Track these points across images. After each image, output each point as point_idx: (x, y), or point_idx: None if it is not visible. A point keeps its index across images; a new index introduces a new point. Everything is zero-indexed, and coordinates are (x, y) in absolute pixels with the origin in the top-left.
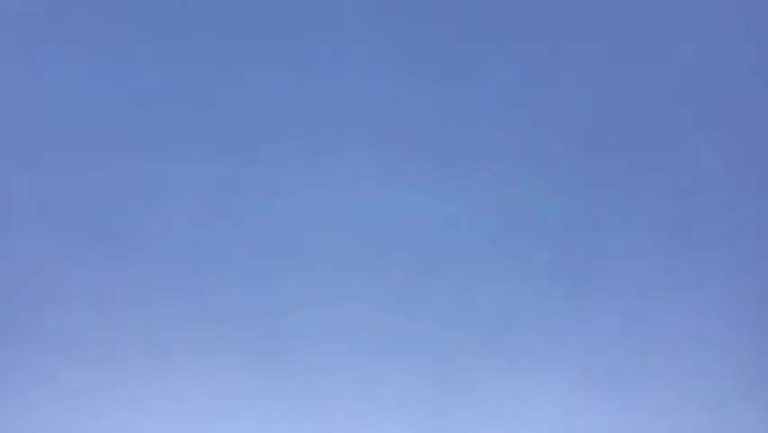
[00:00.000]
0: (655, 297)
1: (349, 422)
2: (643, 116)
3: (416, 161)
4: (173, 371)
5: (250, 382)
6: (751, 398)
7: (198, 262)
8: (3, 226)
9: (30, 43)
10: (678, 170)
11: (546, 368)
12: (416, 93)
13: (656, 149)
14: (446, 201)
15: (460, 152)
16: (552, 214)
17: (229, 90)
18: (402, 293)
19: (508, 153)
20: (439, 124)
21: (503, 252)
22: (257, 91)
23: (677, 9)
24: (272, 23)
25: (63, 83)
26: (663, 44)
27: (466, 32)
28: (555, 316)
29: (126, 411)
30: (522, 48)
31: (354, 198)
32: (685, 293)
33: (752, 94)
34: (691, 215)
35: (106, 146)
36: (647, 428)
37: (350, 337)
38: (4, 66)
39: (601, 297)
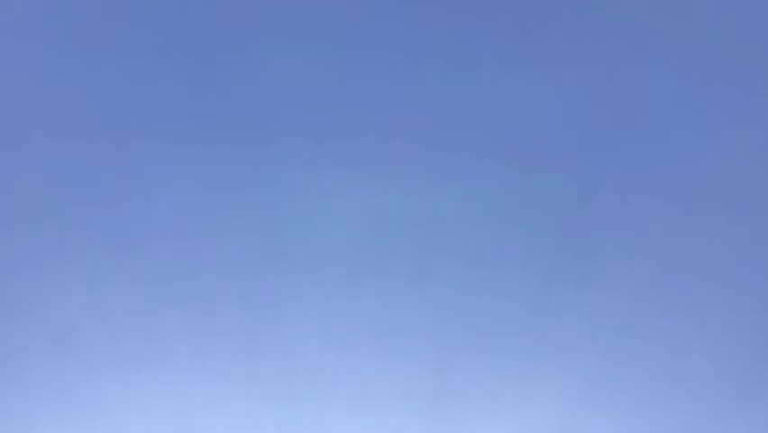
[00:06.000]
0: (654, 299)
1: (347, 421)
2: (642, 116)
3: (417, 161)
4: (172, 371)
5: (250, 381)
6: (751, 401)
7: (199, 261)
8: (3, 226)
9: (29, 36)
10: (678, 171)
11: (545, 370)
12: (416, 94)
13: (656, 149)
14: (446, 203)
15: (460, 152)
16: (550, 215)
17: (231, 88)
18: (401, 294)
19: (509, 154)
20: (440, 124)
21: (502, 253)
22: (259, 89)
23: (677, 9)
24: (274, 22)
25: (64, 79)
26: (663, 44)
27: (467, 31)
28: (554, 317)
29: (127, 412)
30: (523, 47)
31: (354, 198)
32: (685, 295)
33: (752, 94)
34: (691, 217)
35: (106, 143)
36: (645, 431)
37: (349, 337)
38: (3, 62)
39: (600, 298)
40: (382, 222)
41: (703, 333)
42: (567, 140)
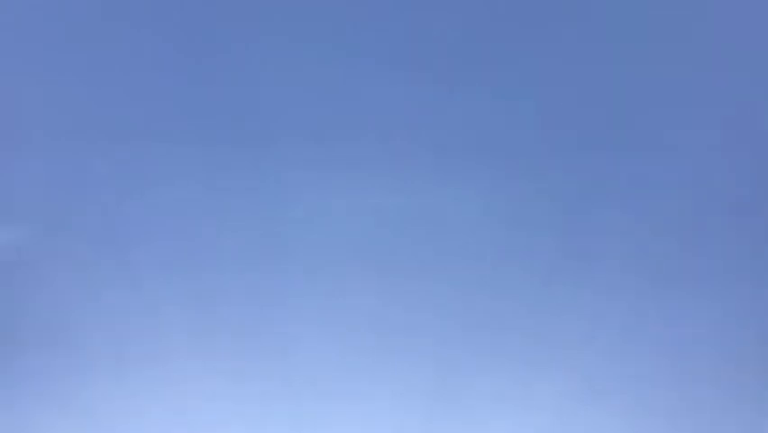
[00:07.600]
0: (656, 300)
1: (347, 421)
2: (643, 115)
3: (417, 161)
4: (172, 371)
5: (250, 380)
6: (751, 401)
7: (199, 261)
8: (3, 226)
9: (29, 36)
10: (678, 170)
11: (545, 370)
12: (416, 94)
13: (656, 149)
14: (446, 203)
15: (460, 152)
16: (550, 215)
17: (231, 88)
18: (401, 294)
19: (509, 154)
20: (441, 123)
21: (502, 253)
22: (259, 89)
23: (677, 9)
24: (274, 22)
25: (64, 79)
26: (663, 44)
27: (467, 31)
28: (554, 317)
29: (126, 411)
30: (523, 47)
31: (354, 198)
32: (686, 296)
33: (752, 94)
34: (691, 217)
35: (106, 143)
36: (645, 432)
37: (349, 336)
38: (3, 62)
39: (600, 298)
40: (382, 222)
41: (703, 333)
42: (567, 140)
